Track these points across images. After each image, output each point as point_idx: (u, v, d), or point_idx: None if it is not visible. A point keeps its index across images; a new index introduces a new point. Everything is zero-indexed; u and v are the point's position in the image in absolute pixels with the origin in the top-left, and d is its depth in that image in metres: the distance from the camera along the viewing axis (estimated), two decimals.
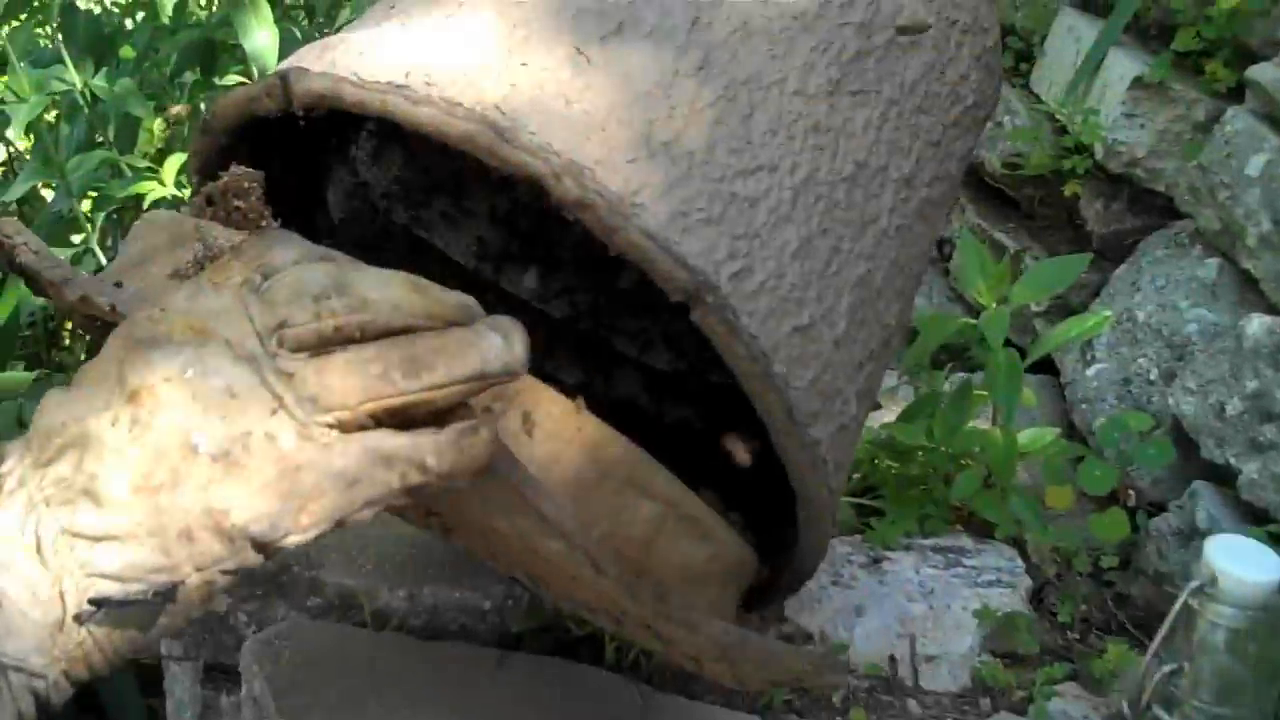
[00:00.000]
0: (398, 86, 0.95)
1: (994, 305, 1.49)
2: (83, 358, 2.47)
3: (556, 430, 0.93)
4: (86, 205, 2.31)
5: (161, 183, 2.18)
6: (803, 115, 1.03)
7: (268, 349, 0.70)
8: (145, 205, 2.26)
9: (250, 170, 0.88)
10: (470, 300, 0.74)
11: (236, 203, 0.87)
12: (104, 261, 2.28)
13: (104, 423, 0.68)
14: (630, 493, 0.97)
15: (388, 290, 0.71)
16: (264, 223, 0.86)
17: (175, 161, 2.20)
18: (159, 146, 2.51)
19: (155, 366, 0.69)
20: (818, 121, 1.03)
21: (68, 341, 2.59)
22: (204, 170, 1.15)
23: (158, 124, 2.49)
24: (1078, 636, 1.39)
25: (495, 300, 1.32)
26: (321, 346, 0.70)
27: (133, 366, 0.69)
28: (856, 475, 1.59)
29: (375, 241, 1.32)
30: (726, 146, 0.98)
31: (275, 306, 0.70)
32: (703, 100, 0.98)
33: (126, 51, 2.36)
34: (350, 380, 0.69)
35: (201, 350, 0.70)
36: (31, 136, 2.40)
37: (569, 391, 0.97)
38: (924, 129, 1.15)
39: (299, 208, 1.31)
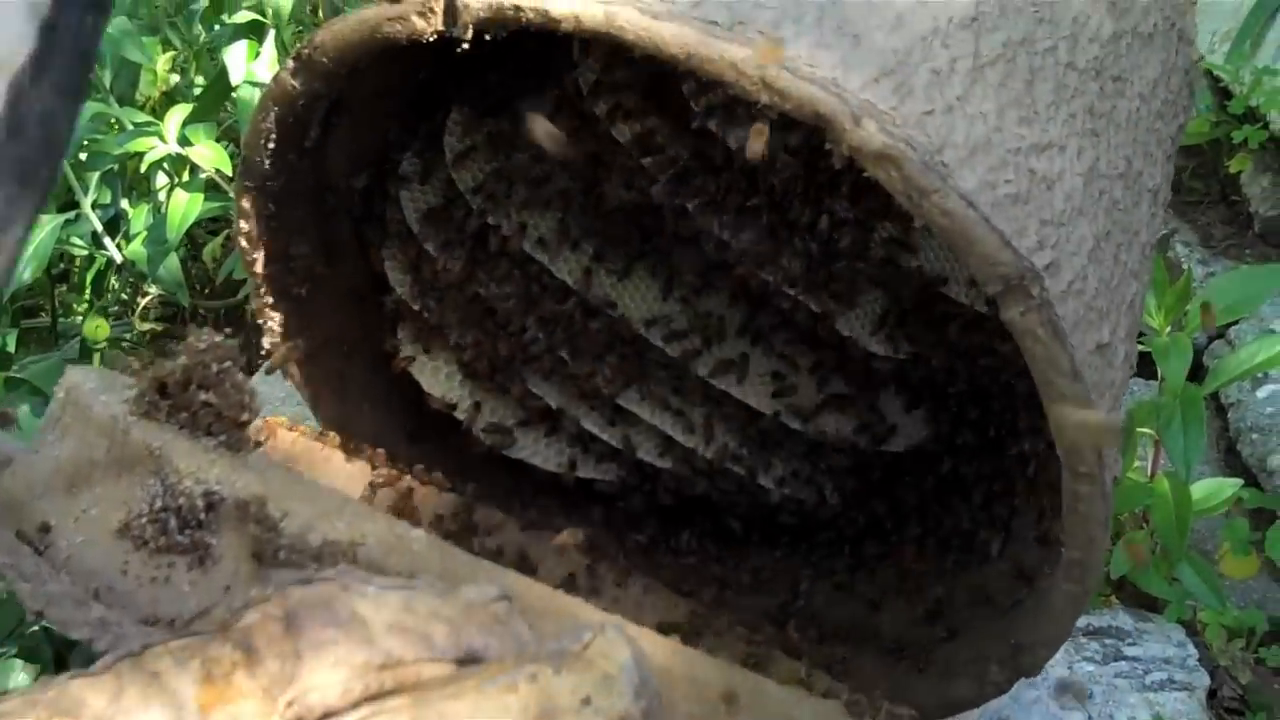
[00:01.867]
0: None
1: (1167, 329, 1.20)
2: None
3: None
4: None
5: (162, 138, 1.90)
6: (1078, 92, 0.84)
7: None
8: (144, 166, 1.99)
9: (220, 342, 0.64)
10: None
11: (203, 395, 0.62)
12: (99, 227, 2.02)
13: None
14: None
15: None
16: (245, 416, 0.60)
17: (178, 112, 1.92)
18: (163, 90, 2.23)
19: None
20: (1092, 104, 0.85)
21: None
22: (285, 121, 0.95)
23: (162, 64, 2.20)
24: None
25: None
26: None
27: None
28: None
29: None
30: (1016, 114, 0.79)
31: None
32: (983, 56, 0.79)
33: None
34: None
35: None
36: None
37: None
38: (1163, 138, 0.92)
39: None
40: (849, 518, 1.18)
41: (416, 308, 1.12)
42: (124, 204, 2.16)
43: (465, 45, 0.81)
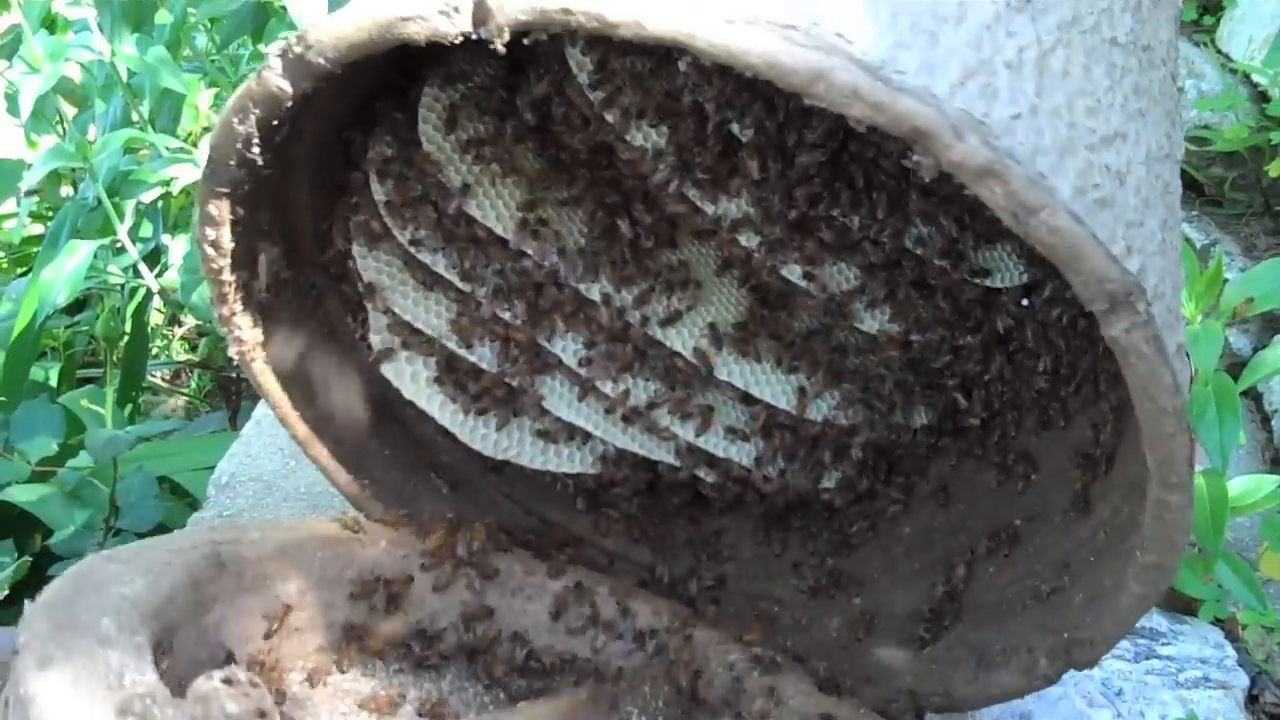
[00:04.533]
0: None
1: (1200, 318, 1.16)
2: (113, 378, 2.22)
3: None
4: None
5: (196, 164, 1.90)
6: (1125, 70, 0.80)
7: None
8: (178, 189, 2.00)
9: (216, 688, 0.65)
10: None
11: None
12: (136, 256, 2.02)
13: None
14: None
15: None
16: None
17: None
18: (205, 126, 2.24)
19: None
20: (1136, 81, 0.80)
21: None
22: (266, 124, 0.85)
23: (204, 100, 2.22)
24: None
25: None
26: None
27: None
28: None
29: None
30: (1083, 105, 0.74)
31: None
32: (1044, 43, 0.74)
33: (162, 17, 2.08)
34: None
35: None
36: (61, 115, 2.14)
37: None
38: (1176, 97, 0.89)
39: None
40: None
41: (395, 309, 1.09)
42: (164, 240, 2.17)
43: (500, 49, 0.74)
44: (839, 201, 1.03)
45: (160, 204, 2.24)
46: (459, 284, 1.06)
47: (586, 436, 1.13)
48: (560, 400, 1.10)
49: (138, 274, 2.06)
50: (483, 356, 1.09)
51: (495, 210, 1.06)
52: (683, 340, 1.09)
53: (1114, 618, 0.86)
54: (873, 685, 1.00)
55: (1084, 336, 1.02)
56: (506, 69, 1.08)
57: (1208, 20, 1.74)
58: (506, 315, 1.06)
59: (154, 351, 2.34)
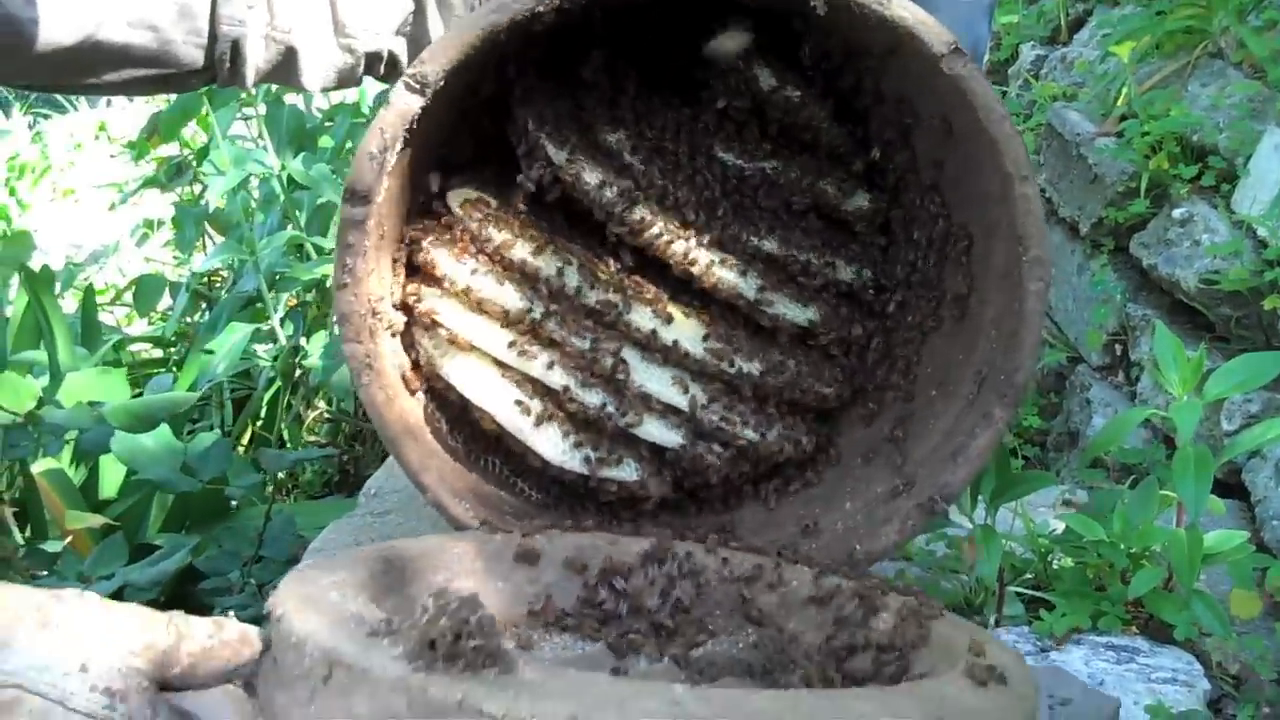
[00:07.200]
0: None
1: (1185, 397, 1.42)
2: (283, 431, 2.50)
3: None
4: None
5: None
6: None
7: None
8: (327, 284, 2.30)
9: (466, 598, 0.78)
10: None
11: (473, 643, 0.76)
12: (282, 340, 2.32)
13: None
14: None
15: None
16: (506, 644, 0.75)
17: None
18: None
19: None
20: None
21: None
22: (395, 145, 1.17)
23: None
24: None
25: None
26: None
27: None
28: (1028, 574, 1.51)
29: None
30: None
31: None
32: None
33: (325, 141, 2.42)
34: None
35: None
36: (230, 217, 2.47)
37: None
38: None
39: None
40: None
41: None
42: (303, 340, 2.47)
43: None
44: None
45: (301, 309, 2.55)
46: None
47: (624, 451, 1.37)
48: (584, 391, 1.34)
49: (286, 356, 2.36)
50: (536, 368, 1.33)
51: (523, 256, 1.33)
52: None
53: (1026, 324, 1.19)
54: (888, 524, 1.27)
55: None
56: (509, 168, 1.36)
57: (1225, 188, 2.01)
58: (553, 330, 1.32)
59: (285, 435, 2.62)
